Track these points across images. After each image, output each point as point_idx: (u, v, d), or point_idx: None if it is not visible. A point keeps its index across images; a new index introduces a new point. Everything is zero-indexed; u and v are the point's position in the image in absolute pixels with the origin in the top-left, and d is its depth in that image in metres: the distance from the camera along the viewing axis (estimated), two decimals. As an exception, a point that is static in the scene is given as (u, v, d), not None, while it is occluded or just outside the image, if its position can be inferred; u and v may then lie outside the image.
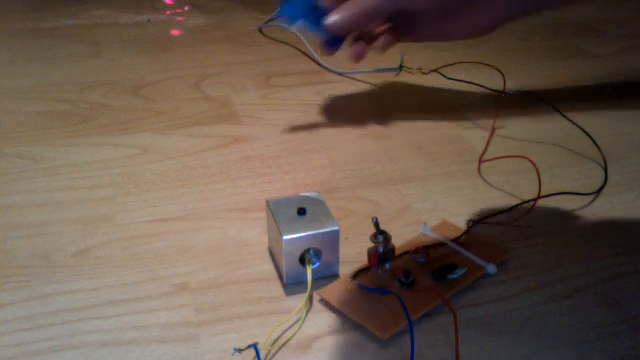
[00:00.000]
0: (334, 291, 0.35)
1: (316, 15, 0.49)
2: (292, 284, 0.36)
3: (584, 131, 0.52)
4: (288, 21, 0.50)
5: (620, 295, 0.36)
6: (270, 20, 0.79)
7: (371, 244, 0.36)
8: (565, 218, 0.43)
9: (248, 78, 0.65)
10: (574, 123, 0.52)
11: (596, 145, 0.50)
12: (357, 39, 0.51)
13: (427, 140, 0.53)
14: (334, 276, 0.37)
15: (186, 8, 0.76)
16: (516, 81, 0.64)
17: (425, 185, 0.47)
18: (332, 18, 0.48)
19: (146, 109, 0.58)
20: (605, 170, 0.47)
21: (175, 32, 0.79)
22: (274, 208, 0.37)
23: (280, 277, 0.37)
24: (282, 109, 0.58)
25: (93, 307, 0.35)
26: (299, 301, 0.35)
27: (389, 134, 0.54)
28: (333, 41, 0.50)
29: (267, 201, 0.38)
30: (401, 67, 0.58)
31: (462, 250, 0.38)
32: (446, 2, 0.46)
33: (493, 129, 0.53)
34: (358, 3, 0.48)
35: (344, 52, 0.51)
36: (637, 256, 0.39)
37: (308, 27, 0.50)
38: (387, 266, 0.36)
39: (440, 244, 0.39)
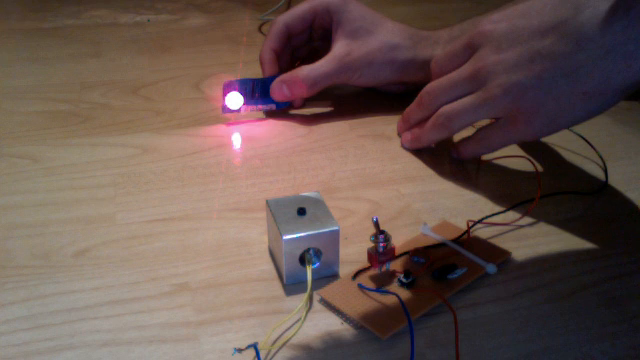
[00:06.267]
0: (334, 291, 0.35)
1: (260, 92, 0.56)
2: (292, 284, 0.36)
3: (579, 135, 0.51)
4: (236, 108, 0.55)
5: (620, 295, 0.36)
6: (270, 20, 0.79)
7: (371, 244, 0.36)
8: (565, 218, 0.43)
9: (248, 78, 0.65)
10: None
11: (592, 147, 0.50)
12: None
13: (427, 140, 0.53)
14: (334, 276, 0.37)
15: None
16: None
17: (425, 185, 0.47)
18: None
19: (146, 109, 0.58)
20: (605, 170, 0.47)
21: (175, 32, 0.79)
22: (274, 208, 0.37)
23: (280, 277, 0.37)
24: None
25: (93, 307, 0.35)
26: (299, 301, 0.35)
27: (389, 134, 0.54)
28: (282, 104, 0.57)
29: (267, 201, 0.38)
30: None
31: (462, 250, 0.38)
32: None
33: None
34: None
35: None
36: (637, 256, 0.39)
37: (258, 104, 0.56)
38: (387, 266, 0.36)
39: (440, 244, 0.39)
